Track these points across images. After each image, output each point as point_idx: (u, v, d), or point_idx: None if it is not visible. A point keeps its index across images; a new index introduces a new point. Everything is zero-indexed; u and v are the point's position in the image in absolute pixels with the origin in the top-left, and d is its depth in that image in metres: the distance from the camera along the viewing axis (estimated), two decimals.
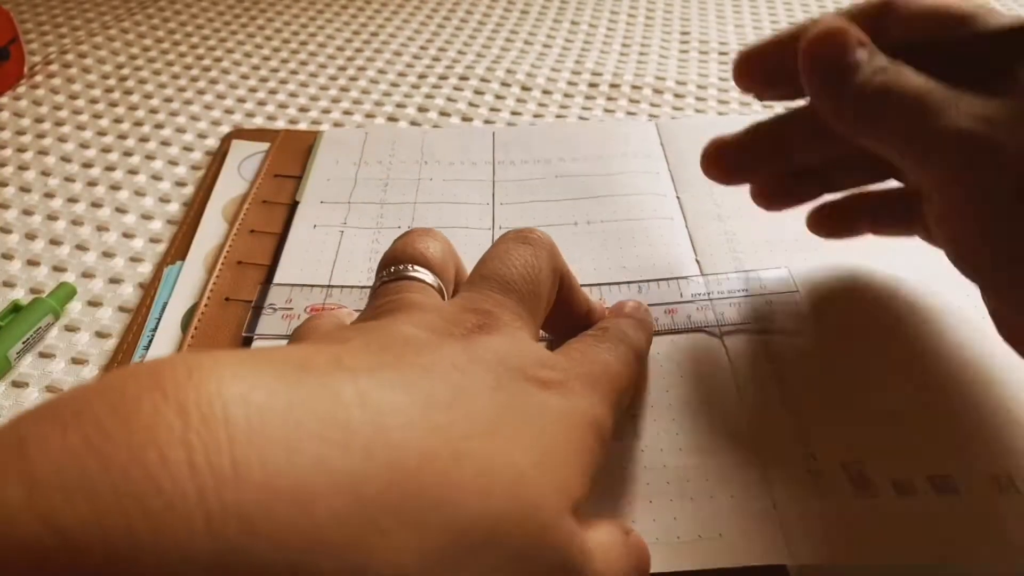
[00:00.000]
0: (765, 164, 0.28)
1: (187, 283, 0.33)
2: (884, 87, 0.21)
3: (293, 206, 0.37)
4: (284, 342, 0.30)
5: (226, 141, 0.43)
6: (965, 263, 0.22)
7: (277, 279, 0.33)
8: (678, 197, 0.36)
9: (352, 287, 0.32)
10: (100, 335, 0.32)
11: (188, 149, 0.44)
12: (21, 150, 0.43)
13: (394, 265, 0.23)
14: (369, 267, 0.33)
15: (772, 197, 0.29)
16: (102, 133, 0.45)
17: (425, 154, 0.40)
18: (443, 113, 0.46)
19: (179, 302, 0.32)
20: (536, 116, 0.46)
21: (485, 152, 0.40)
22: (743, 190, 0.36)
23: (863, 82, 0.22)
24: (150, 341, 0.31)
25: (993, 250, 0.21)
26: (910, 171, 0.22)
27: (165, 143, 0.44)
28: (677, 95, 0.48)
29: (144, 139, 0.44)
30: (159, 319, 0.32)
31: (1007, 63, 0.21)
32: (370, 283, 0.24)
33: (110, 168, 0.42)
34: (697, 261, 0.33)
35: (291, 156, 0.41)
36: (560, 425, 0.18)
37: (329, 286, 0.32)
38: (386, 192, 0.38)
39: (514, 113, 0.46)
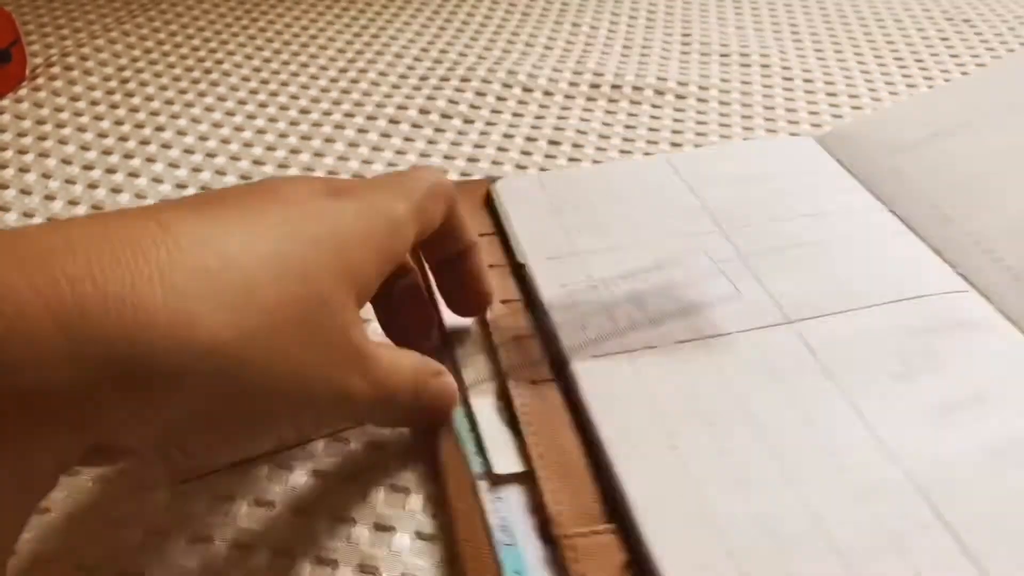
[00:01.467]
0: None
1: None
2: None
3: None
4: None
5: None
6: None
7: None
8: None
9: None
10: None
11: (189, 152, 0.44)
12: (22, 152, 0.43)
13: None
14: None
15: None
16: (103, 135, 0.45)
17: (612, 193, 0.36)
18: (445, 115, 0.46)
19: None
20: (537, 118, 0.46)
21: (672, 181, 0.37)
22: None
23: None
24: None
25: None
26: None
27: (166, 146, 0.44)
28: (679, 96, 0.48)
29: (145, 142, 0.44)
30: None
31: None
32: None
33: (111, 171, 0.42)
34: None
35: None
36: (350, 221, 0.22)
37: None
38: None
39: (516, 115, 0.46)
